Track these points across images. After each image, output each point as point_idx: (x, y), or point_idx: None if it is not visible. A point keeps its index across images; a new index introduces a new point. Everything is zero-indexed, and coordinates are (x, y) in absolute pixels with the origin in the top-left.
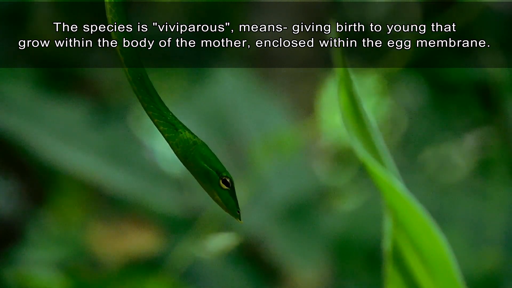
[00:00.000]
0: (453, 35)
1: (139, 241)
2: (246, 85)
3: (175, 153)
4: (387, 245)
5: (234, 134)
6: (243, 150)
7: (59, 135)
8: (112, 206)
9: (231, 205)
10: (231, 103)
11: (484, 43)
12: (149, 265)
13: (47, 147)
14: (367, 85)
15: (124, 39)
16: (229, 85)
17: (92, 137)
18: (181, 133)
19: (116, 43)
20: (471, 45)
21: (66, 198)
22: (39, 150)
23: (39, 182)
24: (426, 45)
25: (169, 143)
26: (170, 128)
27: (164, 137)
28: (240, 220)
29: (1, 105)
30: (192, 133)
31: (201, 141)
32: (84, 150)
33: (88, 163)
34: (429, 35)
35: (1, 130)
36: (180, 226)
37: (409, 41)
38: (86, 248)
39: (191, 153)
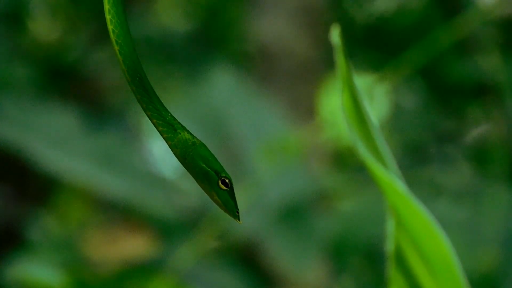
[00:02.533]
0: (455, 37)
1: (135, 246)
2: (243, 87)
3: (174, 153)
4: (389, 246)
5: (230, 137)
6: (240, 152)
7: (53, 141)
8: (108, 211)
9: (230, 206)
10: (227, 105)
11: (485, 44)
12: (145, 270)
13: (41, 153)
14: (369, 86)
15: (122, 39)
16: (225, 87)
17: (86, 142)
18: (180, 133)
19: (114, 43)
20: (472, 46)
21: (62, 204)
22: (34, 157)
23: (36, 187)
24: (427, 47)
25: (168, 144)
26: (169, 128)
27: (163, 137)
28: (239, 220)
29: None
30: (191, 134)
31: (200, 141)
32: (79, 155)
33: (83, 168)
34: (431, 37)
35: None
36: (176, 230)
37: (411, 42)
38: (82, 253)
39: (190, 153)
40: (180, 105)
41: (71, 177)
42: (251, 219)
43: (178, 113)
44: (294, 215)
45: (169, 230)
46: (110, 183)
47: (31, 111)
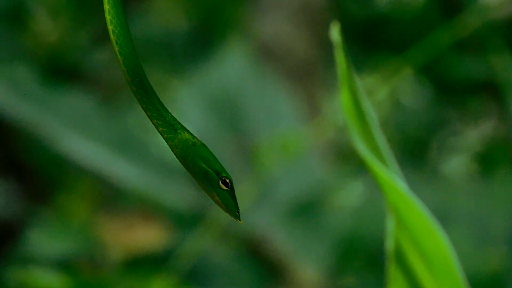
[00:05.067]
0: (458, 36)
1: (146, 235)
2: (255, 71)
3: (174, 154)
4: (389, 244)
5: (241, 128)
6: (249, 145)
7: (70, 125)
8: (120, 199)
9: (231, 206)
10: (238, 92)
11: (487, 42)
12: (155, 260)
13: (57, 137)
14: (370, 84)
15: (122, 39)
16: (235, 73)
17: (103, 128)
18: (180, 133)
19: (114, 43)
20: (474, 44)
21: (73, 191)
22: (49, 139)
23: (46, 173)
24: (429, 45)
25: (168, 144)
26: (169, 129)
27: (163, 138)
28: (239, 220)
29: (12, 94)
30: (191, 134)
31: (200, 141)
32: (94, 140)
33: (98, 154)
34: (433, 36)
35: (12, 118)
36: (188, 221)
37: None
38: (93, 241)
39: (190, 154)
40: (190, 92)
41: (85, 161)
42: (260, 214)
43: (188, 100)
44: (301, 211)
45: (181, 221)
46: (125, 170)
47: (50, 95)
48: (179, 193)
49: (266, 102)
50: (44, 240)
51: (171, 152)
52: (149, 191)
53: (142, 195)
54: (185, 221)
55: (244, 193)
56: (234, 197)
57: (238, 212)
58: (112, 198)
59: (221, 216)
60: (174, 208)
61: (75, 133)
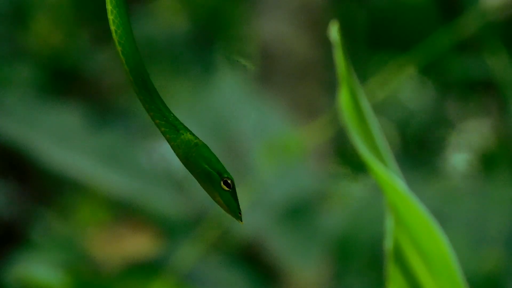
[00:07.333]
0: (459, 37)
1: (138, 244)
2: (247, 88)
3: (176, 154)
4: (388, 244)
5: (234, 137)
6: (243, 152)
7: (57, 139)
8: (112, 209)
9: (233, 206)
10: (232, 106)
11: (487, 42)
12: (148, 268)
13: (45, 151)
14: (370, 84)
15: (125, 39)
16: (229, 89)
17: (91, 140)
18: (183, 134)
19: (117, 43)
20: (476, 44)
21: (67, 203)
22: (37, 154)
23: (40, 185)
24: (431, 45)
25: (170, 145)
26: (172, 129)
27: (166, 138)
28: (241, 221)
29: None
30: (193, 135)
31: (203, 142)
32: (83, 153)
33: (87, 166)
34: (434, 36)
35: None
36: (180, 228)
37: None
38: (85, 251)
39: (193, 154)
40: (185, 106)
41: (75, 174)
42: (255, 218)
43: (183, 114)
44: (297, 213)
45: (172, 228)
46: (115, 181)
47: (36, 108)
48: (171, 200)
49: (258, 117)
50: (45, 242)
51: (163, 160)
52: (140, 200)
53: (133, 204)
54: (177, 229)
55: (240, 197)
56: (236, 198)
57: (240, 213)
58: (104, 208)
59: (215, 221)
60: (166, 215)
61: (62, 147)
